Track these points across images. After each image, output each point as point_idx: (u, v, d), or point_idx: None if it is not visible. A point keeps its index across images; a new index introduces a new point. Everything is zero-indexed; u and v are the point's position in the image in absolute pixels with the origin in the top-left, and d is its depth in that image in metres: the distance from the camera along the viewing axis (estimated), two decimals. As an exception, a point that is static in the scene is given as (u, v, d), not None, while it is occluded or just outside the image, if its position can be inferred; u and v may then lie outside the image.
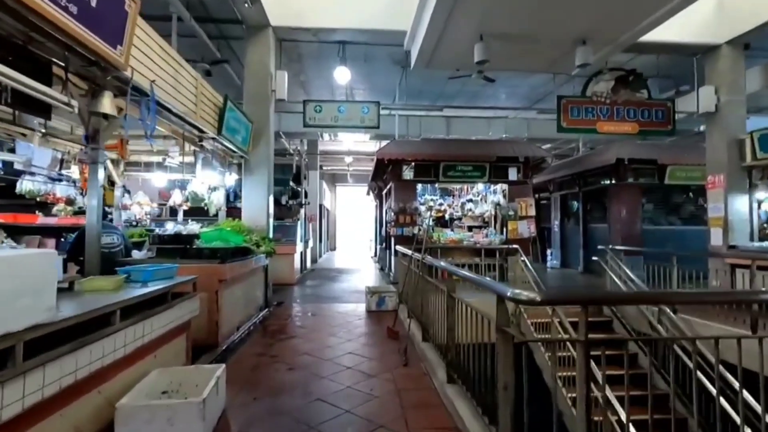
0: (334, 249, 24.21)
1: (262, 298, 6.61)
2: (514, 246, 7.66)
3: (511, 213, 10.20)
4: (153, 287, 3.12)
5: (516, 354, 2.25)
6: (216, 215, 6.88)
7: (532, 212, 10.29)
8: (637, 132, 8.69)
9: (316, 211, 16.05)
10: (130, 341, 2.62)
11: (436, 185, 10.89)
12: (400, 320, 5.70)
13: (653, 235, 10.50)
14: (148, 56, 3.59)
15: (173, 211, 8.74)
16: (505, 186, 10.53)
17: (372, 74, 10.67)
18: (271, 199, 7.07)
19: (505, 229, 10.45)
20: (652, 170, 10.64)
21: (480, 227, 12.32)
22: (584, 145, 13.02)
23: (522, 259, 6.97)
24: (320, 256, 18.00)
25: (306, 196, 12.81)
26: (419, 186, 10.63)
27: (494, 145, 10.22)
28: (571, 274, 11.94)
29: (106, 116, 3.10)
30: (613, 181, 10.76)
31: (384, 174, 11.90)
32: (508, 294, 2.00)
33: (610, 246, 7.88)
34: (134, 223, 8.23)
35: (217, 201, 6.54)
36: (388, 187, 11.22)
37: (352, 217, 27.02)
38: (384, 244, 13.14)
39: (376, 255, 18.10)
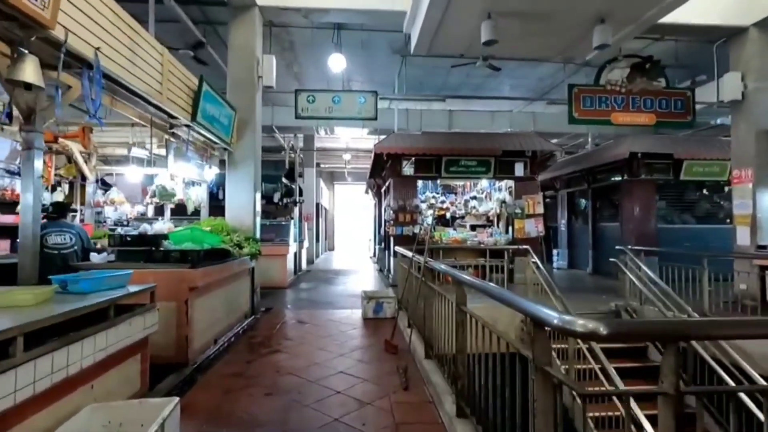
0: (332, 249, 23.60)
1: (248, 305, 6.00)
2: (524, 246, 7.03)
3: (518, 211, 9.58)
4: (95, 299, 2.52)
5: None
6: (197, 213, 6.26)
7: (540, 210, 9.67)
8: (654, 123, 8.06)
9: (312, 210, 15.43)
10: (45, 374, 2.00)
11: (438, 182, 10.27)
12: (400, 330, 5.08)
13: (668, 235, 9.89)
14: (94, 19, 2.97)
15: (160, 210, 8.13)
16: (511, 182, 9.90)
17: (370, 64, 10.05)
18: (258, 196, 6.45)
19: (511, 228, 9.83)
20: (667, 165, 10.01)
21: (483, 226, 11.72)
22: (593, 140, 12.38)
23: (533, 260, 6.35)
24: (317, 256, 17.39)
25: (301, 194, 12.19)
26: (420, 182, 10.00)
27: (500, 138, 9.60)
28: (579, 275, 11.32)
29: (29, 87, 2.47)
30: (626, 177, 10.14)
31: (383, 170, 11.28)
32: (555, 322, 1.38)
33: (628, 246, 7.26)
34: (125, 223, 7.64)
35: (196, 197, 5.92)
36: (387, 183, 10.60)
37: (351, 217, 26.41)
38: (383, 245, 12.53)
39: (374, 255, 17.49)
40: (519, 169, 9.79)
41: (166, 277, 3.78)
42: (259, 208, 6.50)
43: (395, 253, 9.32)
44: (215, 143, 5.70)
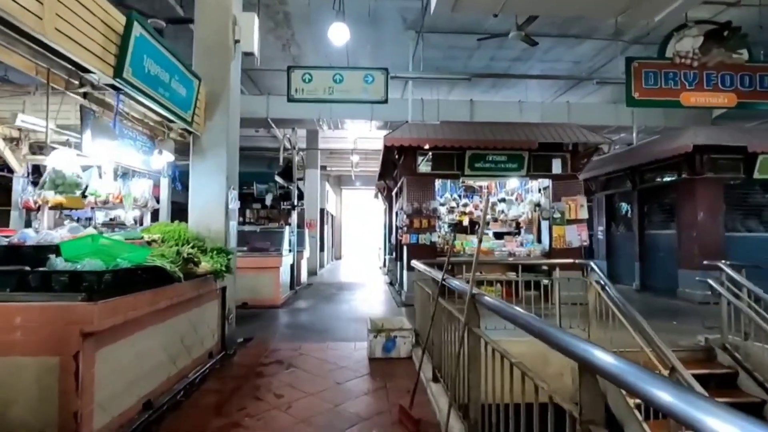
0: (339, 258, 22.10)
1: (216, 339, 4.49)
2: (575, 260, 5.41)
3: (557, 216, 7.97)
4: None
5: None
6: (136, 218, 4.79)
7: (584, 214, 8.05)
8: (735, 105, 6.44)
9: (316, 216, 13.97)
10: None
11: (461, 180, 8.70)
12: (422, 383, 3.51)
13: (739, 245, 8.16)
14: None
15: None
16: (546, 182, 8.31)
17: (378, 43, 8.60)
18: (234, 194, 4.98)
19: (548, 237, 8.22)
20: (736, 161, 8.32)
21: (510, 233, 10.12)
22: (638, 134, 10.71)
23: (599, 280, 4.73)
24: (322, 267, 15.88)
25: (301, 198, 10.73)
26: (438, 183, 8.45)
27: (534, 128, 8.03)
28: (625, 292, 9.56)
29: None
30: (685, 176, 8.46)
31: (394, 168, 9.76)
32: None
33: (702, 260, 5.64)
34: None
35: (141, 195, 4.46)
36: (399, 184, 9.09)
37: (360, 224, 24.94)
38: (394, 254, 10.98)
39: (384, 266, 15.94)
40: (557, 166, 8.20)
41: (40, 316, 2.30)
42: (234, 208, 5.02)
43: (409, 266, 7.77)
44: (171, 121, 4.25)
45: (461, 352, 2.53)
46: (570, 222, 7.99)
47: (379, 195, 16.25)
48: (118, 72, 3.06)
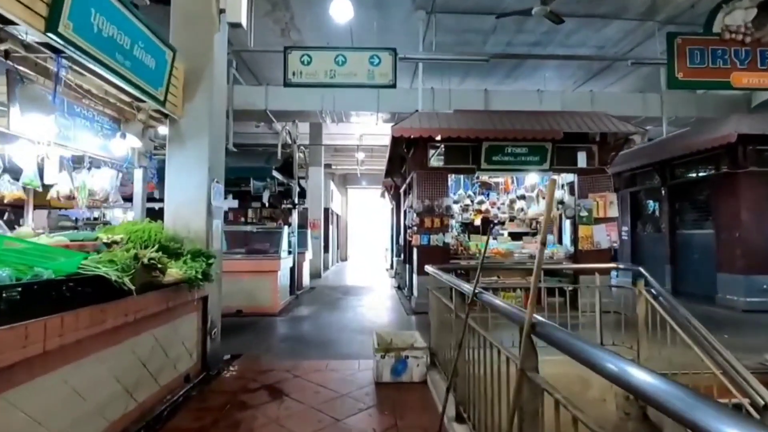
0: (344, 259, 21.41)
1: (194, 358, 3.80)
2: (620, 265, 4.62)
3: (584, 214, 7.19)
4: None
5: None
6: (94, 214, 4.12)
7: (614, 212, 7.27)
8: (794, 87, 5.64)
9: (320, 216, 13.31)
10: None
11: (476, 175, 7.94)
12: (444, 427, 2.78)
13: (787, 246, 7.32)
14: None
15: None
16: (570, 176, 7.54)
17: (385, 26, 7.88)
18: (219, 188, 4.29)
19: (573, 237, 7.46)
20: (783, 153, 7.49)
21: (528, 234, 9.36)
22: (668, 126, 9.87)
23: (649, 288, 3.96)
24: (326, 269, 15.20)
25: (303, 196, 10.05)
26: (451, 177, 7.71)
27: (558, 117, 7.26)
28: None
29: None
30: (725, 170, 7.64)
31: (402, 163, 9.04)
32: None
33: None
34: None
35: (101, 188, 3.78)
36: (408, 180, 8.36)
37: (366, 224, 24.24)
38: (402, 256, 10.25)
39: (392, 268, 15.21)
40: (582, 160, 7.43)
41: None
42: (220, 204, 4.33)
43: (420, 270, 7.04)
44: (140, 101, 3.57)
45: (510, 400, 1.79)
46: (598, 221, 7.21)
47: (386, 194, 15.52)
48: (51, 25, 2.36)
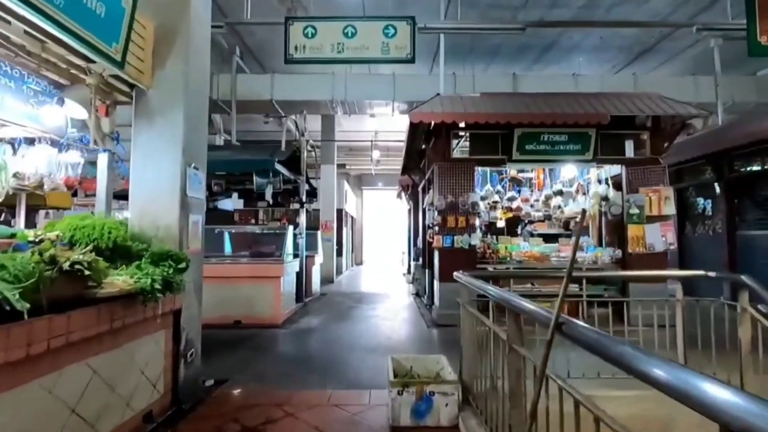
0: (359, 263, 20.59)
1: (162, 389, 2.98)
2: (709, 272, 3.59)
3: (634, 212, 6.17)
4: None
5: None
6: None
7: (670, 210, 6.24)
8: None
9: (332, 217, 12.51)
10: None
11: (507, 167, 6.98)
12: None
13: None
14: None
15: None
16: (616, 168, 6.55)
17: (402, 1, 7.03)
18: (198, 177, 3.49)
19: (617, 238, 6.44)
20: None
21: (562, 235, 8.37)
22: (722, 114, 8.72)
23: (762, 307, 2.97)
24: (340, 273, 14.40)
25: (313, 195, 9.26)
26: (477, 171, 6.77)
27: (602, 99, 6.27)
28: (716, 309, 7.61)
29: None
30: (802, 160, 6.50)
31: (421, 157, 8.18)
32: None
33: None
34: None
35: (34, 171, 2.99)
36: (428, 174, 7.47)
37: (382, 226, 23.39)
38: (420, 260, 9.34)
39: (409, 272, 14.30)
40: (630, 148, 6.42)
41: None
42: (199, 195, 3.53)
43: (442, 276, 6.14)
44: (92, 61, 2.79)
45: None
46: (651, 219, 6.18)
47: (402, 194, 14.64)
48: None
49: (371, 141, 11.84)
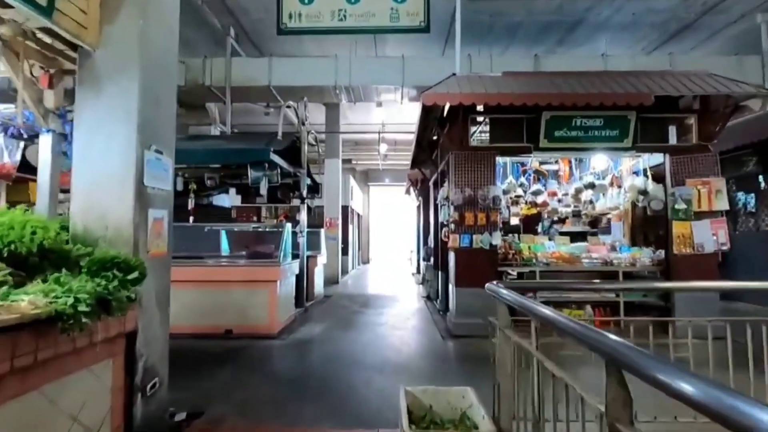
0: (366, 262, 19.91)
1: (105, 435, 2.29)
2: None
3: (680, 207, 5.38)
4: None
5: None
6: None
7: (723, 204, 5.43)
8: None
9: (337, 214, 11.82)
10: None
11: (532, 157, 6.19)
12: None
13: None
14: None
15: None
16: (656, 157, 5.76)
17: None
18: (161, 162, 2.79)
19: (655, 236, 5.67)
20: None
21: (588, 233, 7.63)
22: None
23: None
24: (345, 273, 13.72)
25: (316, 191, 8.57)
26: (498, 161, 6.01)
27: (643, 78, 5.47)
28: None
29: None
30: None
31: (434, 148, 7.44)
32: None
33: None
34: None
35: None
36: (441, 166, 6.73)
37: (390, 224, 22.70)
38: (432, 260, 8.60)
39: (418, 272, 13.58)
40: (673, 135, 5.62)
41: None
42: (165, 186, 2.83)
43: (459, 280, 5.41)
44: (6, 5, 2.09)
45: None
46: (699, 215, 5.38)
47: (411, 190, 13.89)
48: None
49: (378, 132, 11.09)
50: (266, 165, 6.00)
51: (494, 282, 2.54)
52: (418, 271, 13.85)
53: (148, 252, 2.64)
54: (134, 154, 2.55)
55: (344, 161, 16.93)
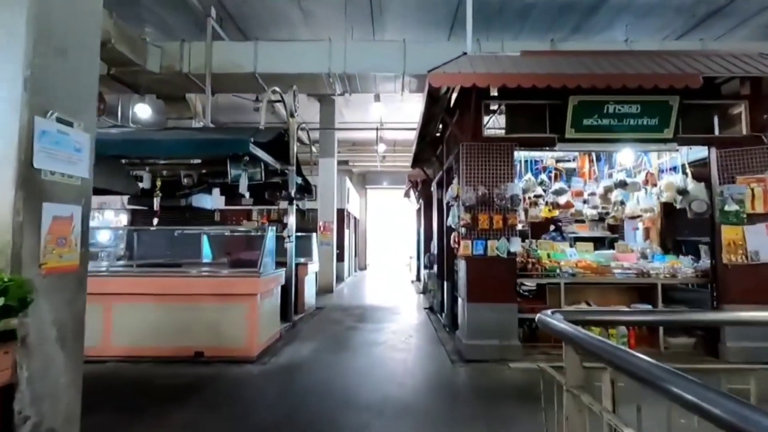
0: (363, 268, 19.05)
1: None
2: None
3: (731, 208, 4.58)
4: None
5: None
6: None
7: (781, 205, 4.62)
8: None
9: (332, 218, 10.98)
10: None
11: (547, 153, 5.33)
12: None
13: None
14: None
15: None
16: (699, 151, 4.98)
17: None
18: (79, 139, 1.96)
19: (691, 243, 4.86)
20: None
21: (605, 238, 6.90)
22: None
23: None
24: (341, 280, 12.87)
25: (308, 191, 7.73)
26: (517, 156, 5.20)
27: (685, 58, 4.69)
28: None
29: None
30: None
31: (437, 144, 6.65)
32: None
33: None
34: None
35: None
36: (447, 162, 5.92)
37: (388, 229, 21.90)
38: (437, 268, 7.78)
39: (418, 279, 12.75)
40: (717, 125, 4.84)
41: None
42: (77, 173, 1.99)
43: (468, 293, 4.60)
44: None
45: None
46: (754, 218, 4.58)
47: (411, 192, 13.09)
48: None
49: (376, 129, 10.29)
50: (246, 159, 5.17)
51: (548, 312, 1.71)
52: (418, 279, 13.02)
53: (41, 266, 1.81)
54: (17, 122, 1.72)
55: (341, 163, 16.13)
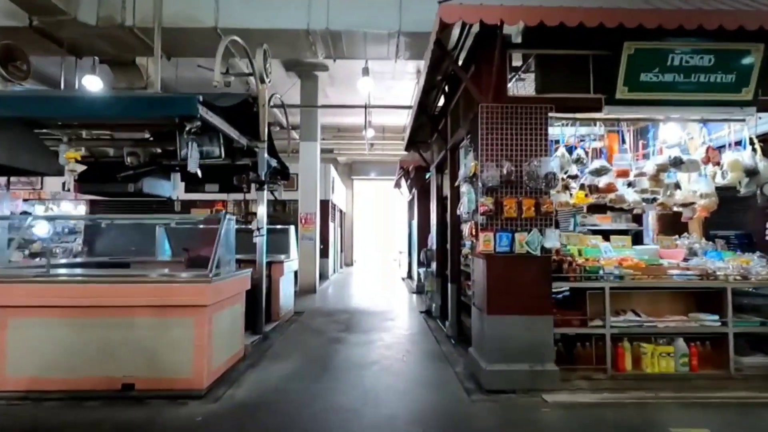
0: (350, 264, 17.90)
1: None
2: None
3: (825, 191, 3.54)
4: None
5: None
6: None
7: None
8: None
9: (315, 209, 9.77)
10: None
11: (604, 113, 4.14)
12: None
13: None
14: None
15: None
16: (762, 124, 3.95)
17: None
18: None
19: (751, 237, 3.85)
20: None
21: (629, 231, 5.94)
22: None
23: None
24: (325, 278, 11.69)
25: (284, 176, 6.49)
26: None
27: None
28: None
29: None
30: None
31: (445, 111, 5.50)
32: None
33: None
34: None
35: None
36: (457, 135, 4.76)
37: (376, 221, 20.81)
38: (435, 266, 6.65)
39: (410, 277, 11.65)
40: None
41: None
42: None
43: (489, 303, 3.48)
44: None
45: None
46: None
47: (403, 181, 11.94)
48: None
49: (365, 106, 9.07)
50: (197, 127, 3.92)
51: None
52: (410, 276, 11.94)
53: None
54: None
55: (325, 151, 14.87)
